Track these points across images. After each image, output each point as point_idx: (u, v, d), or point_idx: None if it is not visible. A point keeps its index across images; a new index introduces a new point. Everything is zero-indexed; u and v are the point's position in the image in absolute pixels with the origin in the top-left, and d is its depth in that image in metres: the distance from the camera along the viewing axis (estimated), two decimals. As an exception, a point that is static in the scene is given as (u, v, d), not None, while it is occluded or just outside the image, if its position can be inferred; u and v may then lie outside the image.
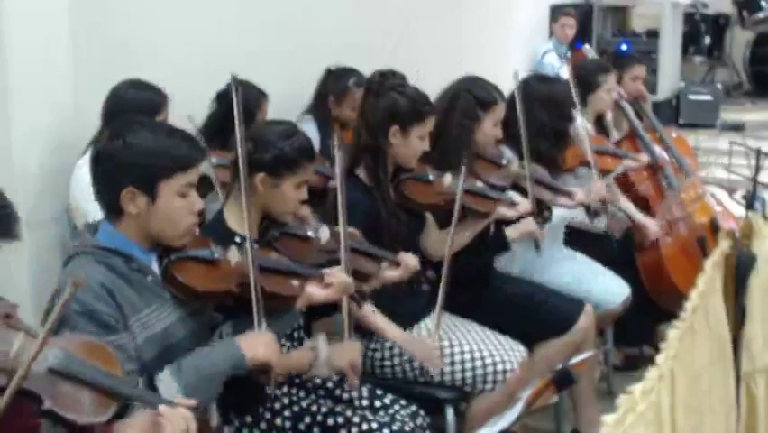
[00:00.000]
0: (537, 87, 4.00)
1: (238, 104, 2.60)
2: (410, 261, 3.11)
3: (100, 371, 2.01)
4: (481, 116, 3.64)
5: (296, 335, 2.95)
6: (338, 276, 2.72)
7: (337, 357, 2.79)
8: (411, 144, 3.29)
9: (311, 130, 4.76)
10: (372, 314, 3.18)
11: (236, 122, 2.59)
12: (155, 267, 2.42)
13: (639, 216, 4.59)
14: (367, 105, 3.36)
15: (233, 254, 2.51)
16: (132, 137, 2.33)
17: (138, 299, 2.32)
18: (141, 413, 2.05)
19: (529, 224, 3.57)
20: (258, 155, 2.77)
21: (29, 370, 1.86)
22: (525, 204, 3.57)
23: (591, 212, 3.97)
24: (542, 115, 3.86)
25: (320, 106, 4.97)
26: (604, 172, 4.37)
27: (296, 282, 2.63)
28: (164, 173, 2.33)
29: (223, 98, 4.28)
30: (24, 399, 1.89)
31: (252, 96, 4.27)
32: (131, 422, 2.04)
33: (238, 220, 2.79)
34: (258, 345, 2.40)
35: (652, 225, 4.55)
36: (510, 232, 3.59)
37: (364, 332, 3.32)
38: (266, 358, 2.40)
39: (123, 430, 2.02)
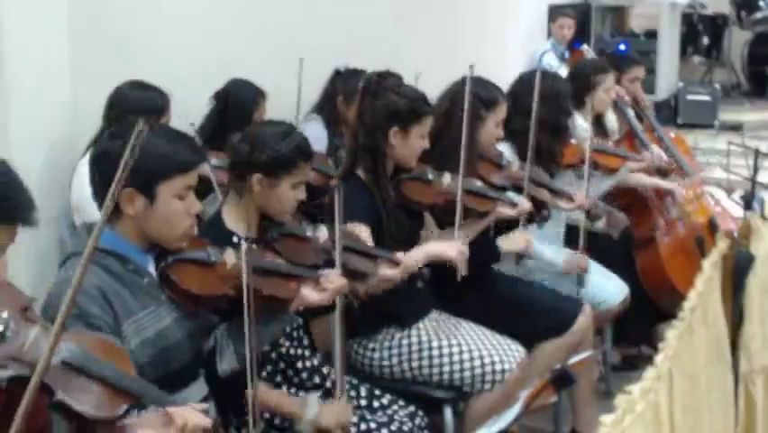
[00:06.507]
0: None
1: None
2: (408, 260, 3.11)
3: (113, 368, 2.01)
4: (485, 116, 3.65)
5: (295, 334, 2.95)
6: (334, 281, 2.69)
7: (327, 417, 2.74)
8: (412, 144, 3.29)
9: (318, 129, 4.76)
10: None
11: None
12: (152, 269, 2.41)
13: (664, 184, 4.63)
14: (365, 106, 3.36)
15: (230, 256, 2.48)
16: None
17: (133, 301, 2.31)
18: (153, 412, 2.04)
19: (521, 238, 3.55)
20: (254, 156, 2.77)
21: (49, 363, 1.84)
22: (524, 203, 3.57)
23: (591, 215, 3.98)
24: (541, 110, 3.86)
25: (328, 106, 4.96)
26: (609, 171, 4.37)
27: (292, 285, 2.62)
28: (163, 175, 2.32)
29: (220, 97, 4.29)
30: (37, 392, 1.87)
31: (250, 95, 4.28)
32: (142, 421, 2.03)
33: (236, 220, 2.80)
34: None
35: (678, 190, 4.57)
36: (502, 243, 3.58)
37: (362, 332, 3.33)
38: None
39: (134, 430, 2.01)
